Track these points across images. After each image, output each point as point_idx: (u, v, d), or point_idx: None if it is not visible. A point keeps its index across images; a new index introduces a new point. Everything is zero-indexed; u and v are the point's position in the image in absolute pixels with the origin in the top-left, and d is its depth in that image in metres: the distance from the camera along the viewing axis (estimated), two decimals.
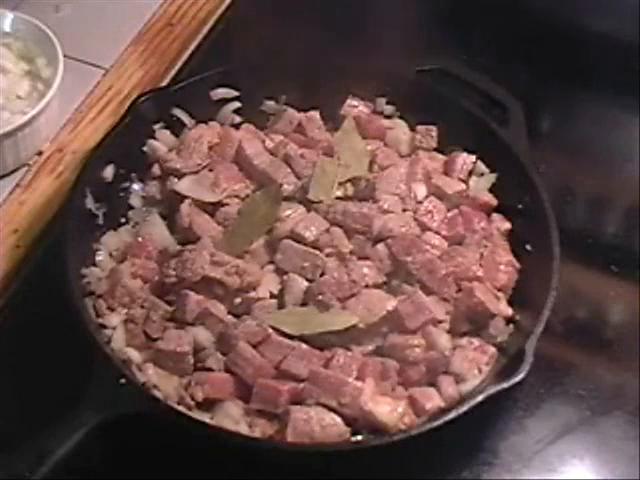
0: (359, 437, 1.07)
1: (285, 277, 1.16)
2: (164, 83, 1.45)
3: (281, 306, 1.15)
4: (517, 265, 1.20)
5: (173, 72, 1.48)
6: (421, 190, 1.24)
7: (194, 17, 1.54)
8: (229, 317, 1.14)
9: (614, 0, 1.58)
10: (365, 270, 1.15)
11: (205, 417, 1.08)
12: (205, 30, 1.54)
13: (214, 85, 1.32)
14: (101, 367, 1.05)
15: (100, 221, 1.22)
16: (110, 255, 1.21)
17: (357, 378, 1.08)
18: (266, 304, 1.15)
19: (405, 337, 1.12)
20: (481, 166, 1.28)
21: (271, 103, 1.34)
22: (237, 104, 1.33)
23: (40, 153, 1.35)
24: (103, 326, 1.13)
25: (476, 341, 1.14)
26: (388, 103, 1.34)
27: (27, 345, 1.16)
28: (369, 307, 1.13)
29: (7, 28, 1.39)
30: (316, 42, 1.47)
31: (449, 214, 1.23)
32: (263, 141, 1.29)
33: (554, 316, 1.12)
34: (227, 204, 1.22)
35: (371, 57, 1.37)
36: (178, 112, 1.31)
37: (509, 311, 1.16)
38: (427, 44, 1.48)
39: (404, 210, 1.22)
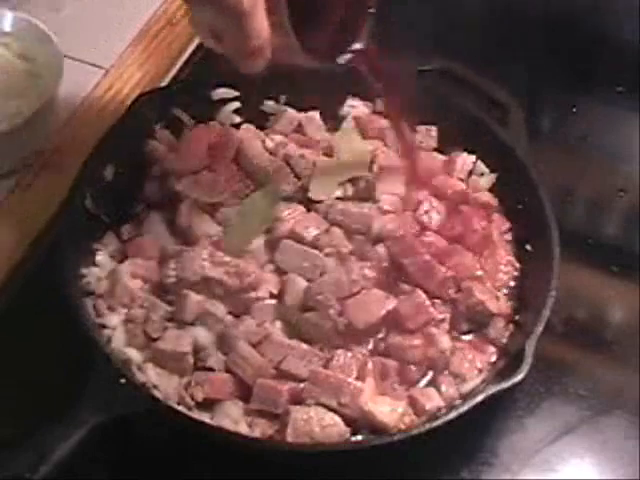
0: (359, 437, 1.07)
1: (285, 277, 1.16)
2: (164, 83, 1.45)
3: (281, 306, 1.15)
4: (517, 265, 1.20)
5: (173, 72, 1.47)
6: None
7: None
8: (229, 317, 1.14)
9: (614, 0, 1.58)
10: (365, 270, 1.15)
11: (205, 417, 1.08)
12: None
13: (214, 85, 1.32)
14: (101, 367, 1.05)
15: (100, 221, 1.22)
16: (110, 255, 1.21)
17: (357, 378, 1.08)
18: (266, 304, 1.15)
19: (405, 337, 1.12)
20: (481, 166, 1.28)
21: (271, 103, 1.34)
22: (237, 104, 1.33)
23: (40, 153, 1.35)
24: (103, 326, 1.13)
25: (476, 341, 1.14)
26: None
27: (27, 345, 1.16)
28: (369, 307, 1.13)
29: (7, 28, 1.38)
30: None
31: (449, 214, 1.23)
32: (263, 141, 1.29)
33: (554, 316, 1.12)
34: (227, 204, 1.22)
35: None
36: (178, 112, 1.31)
37: (509, 311, 1.16)
38: (427, 44, 1.47)
39: (404, 210, 1.22)
